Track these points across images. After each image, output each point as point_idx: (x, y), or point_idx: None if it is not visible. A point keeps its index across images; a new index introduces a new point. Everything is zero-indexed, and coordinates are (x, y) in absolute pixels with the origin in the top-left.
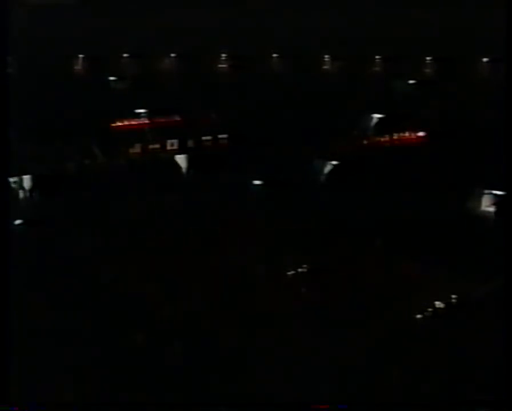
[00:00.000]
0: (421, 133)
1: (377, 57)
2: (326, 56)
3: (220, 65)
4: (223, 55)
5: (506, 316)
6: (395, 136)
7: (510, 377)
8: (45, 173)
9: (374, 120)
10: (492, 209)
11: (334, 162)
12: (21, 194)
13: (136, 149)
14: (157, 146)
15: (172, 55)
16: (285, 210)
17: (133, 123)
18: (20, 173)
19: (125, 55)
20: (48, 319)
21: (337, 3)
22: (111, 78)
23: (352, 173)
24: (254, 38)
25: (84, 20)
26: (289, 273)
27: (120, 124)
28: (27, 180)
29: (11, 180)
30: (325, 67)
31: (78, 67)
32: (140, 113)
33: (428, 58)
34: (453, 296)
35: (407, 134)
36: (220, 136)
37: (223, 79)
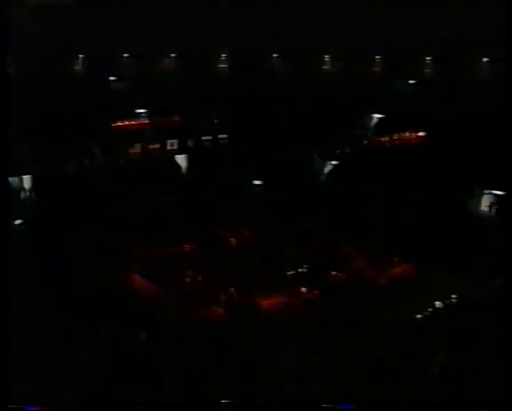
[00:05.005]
0: (421, 133)
1: (377, 57)
2: (326, 56)
3: (220, 65)
4: (223, 54)
5: (506, 316)
6: (395, 136)
7: (510, 377)
8: (45, 173)
9: (374, 120)
10: (492, 209)
11: (334, 162)
12: (21, 194)
13: (136, 149)
14: (157, 146)
15: (172, 55)
16: (285, 210)
17: (133, 123)
18: (20, 173)
19: (125, 55)
20: (48, 318)
21: (338, 3)
22: (111, 78)
23: (352, 173)
24: (254, 37)
25: (84, 20)
26: (289, 272)
27: (120, 124)
28: (27, 180)
29: (11, 180)
30: (325, 67)
31: (78, 67)
32: (140, 113)
33: (428, 58)
34: (453, 296)
35: (407, 134)
36: (220, 136)
37: (223, 79)
